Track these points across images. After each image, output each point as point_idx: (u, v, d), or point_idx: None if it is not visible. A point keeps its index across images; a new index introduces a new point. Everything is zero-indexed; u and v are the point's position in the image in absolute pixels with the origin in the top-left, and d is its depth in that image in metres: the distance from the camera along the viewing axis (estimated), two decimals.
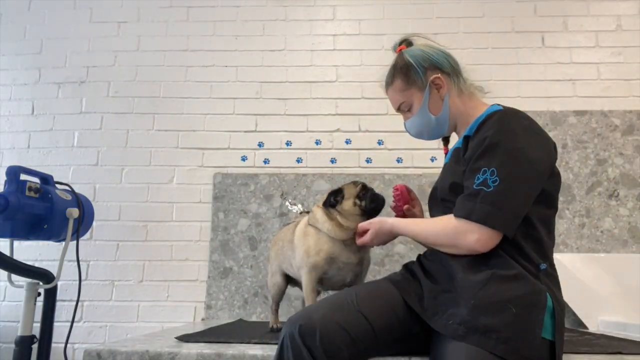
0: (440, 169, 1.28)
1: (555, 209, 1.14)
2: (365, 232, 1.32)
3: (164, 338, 1.40)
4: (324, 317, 0.99)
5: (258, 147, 2.42)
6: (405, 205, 1.40)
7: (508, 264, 1.01)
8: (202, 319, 2.21)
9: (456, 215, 1.06)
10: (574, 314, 2.04)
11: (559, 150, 2.31)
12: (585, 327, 1.98)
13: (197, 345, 1.25)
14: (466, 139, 1.14)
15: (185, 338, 1.36)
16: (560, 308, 1.02)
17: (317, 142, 2.41)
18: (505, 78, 2.43)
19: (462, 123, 1.22)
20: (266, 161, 2.40)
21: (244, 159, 2.41)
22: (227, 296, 2.23)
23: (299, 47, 2.52)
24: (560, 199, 2.22)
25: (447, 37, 2.48)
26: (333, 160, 2.39)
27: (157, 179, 2.40)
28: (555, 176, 1.12)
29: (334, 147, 2.41)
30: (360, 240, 1.34)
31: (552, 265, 1.09)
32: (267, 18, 2.55)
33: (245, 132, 2.44)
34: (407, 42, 1.30)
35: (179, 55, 2.52)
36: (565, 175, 2.28)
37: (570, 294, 2.02)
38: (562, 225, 2.23)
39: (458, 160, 1.15)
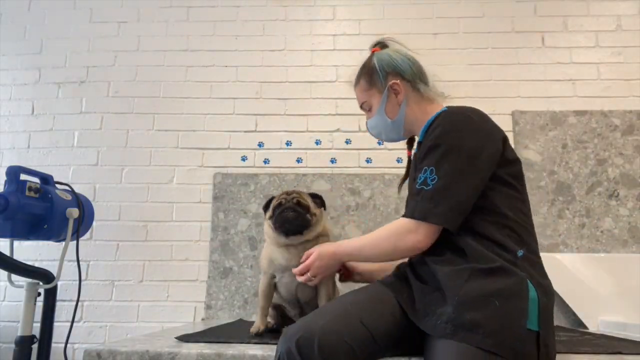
0: None
1: (522, 193, 1.15)
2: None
3: (164, 338, 1.40)
4: (323, 328, 0.98)
5: (258, 147, 2.42)
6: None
7: (487, 258, 1.03)
8: (202, 319, 2.21)
9: (403, 216, 1.12)
10: (574, 314, 2.04)
11: (559, 150, 2.31)
12: (585, 327, 1.98)
13: (197, 345, 1.25)
14: (419, 145, 1.20)
15: (185, 338, 1.36)
16: (545, 294, 1.02)
17: (317, 142, 2.41)
18: (505, 78, 2.43)
19: (419, 128, 1.26)
20: (266, 161, 2.40)
21: (244, 159, 2.41)
22: (227, 296, 2.23)
23: (299, 47, 2.52)
24: (560, 199, 2.25)
25: (447, 37, 2.49)
26: (333, 160, 2.39)
27: (157, 179, 2.40)
28: (511, 163, 1.14)
29: (334, 147, 2.41)
30: (302, 277, 1.27)
31: (531, 249, 1.09)
32: (267, 18, 2.55)
33: (245, 132, 2.44)
34: (381, 45, 1.36)
35: (179, 55, 2.52)
36: (565, 175, 2.28)
37: (570, 294, 2.04)
38: (562, 225, 2.23)
39: (415, 167, 1.20)
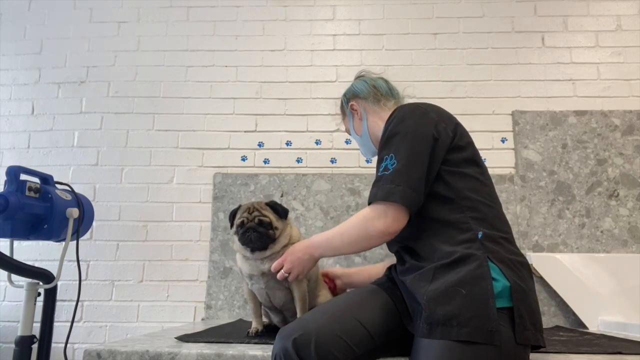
0: None
1: (482, 175, 1.18)
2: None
3: (164, 338, 1.40)
4: (319, 327, 0.98)
5: (258, 147, 2.42)
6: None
7: (447, 252, 1.04)
8: (202, 319, 2.21)
9: (368, 204, 1.14)
10: (574, 314, 2.04)
11: (559, 150, 2.31)
12: (585, 327, 1.98)
13: (197, 345, 1.25)
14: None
15: (185, 338, 1.36)
16: (513, 268, 1.02)
17: (317, 142, 2.41)
18: (505, 78, 2.43)
19: None
20: (266, 161, 2.40)
21: (244, 159, 2.41)
22: (227, 296, 2.23)
23: (299, 47, 2.52)
24: (560, 199, 2.25)
25: (447, 37, 2.49)
26: (333, 160, 2.39)
27: (157, 179, 2.40)
28: (464, 148, 1.16)
29: (334, 147, 2.41)
30: (280, 274, 1.29)
31: (495, 227, 1.10)
32: (267, 18, 2.55)
33: (245, 132, 2.44)
34: (357, 78, 1.54)
35: (179, 55, 2.52)
36: (565, 175, 2.28)
37: (570, 294, 2.04)
38: (562, 225, 2.23)
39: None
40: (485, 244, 1.04)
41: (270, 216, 1.39)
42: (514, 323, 0.96)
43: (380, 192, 1.10)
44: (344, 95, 1.52)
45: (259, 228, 1.36)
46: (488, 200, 1.13)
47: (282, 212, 1.42)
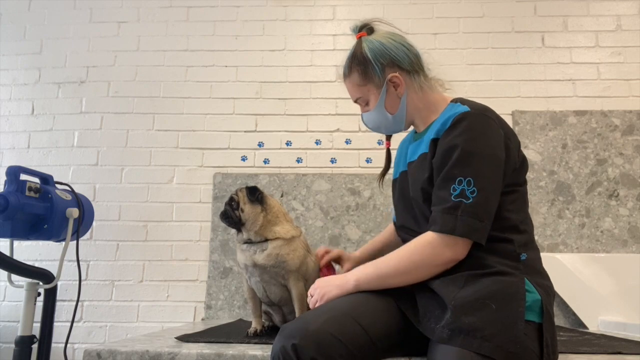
0: None
1: (524, 185, 1.15)
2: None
3: (164, 338, 1.40)
4: (319, 330, 0.96)
5: (258, 147, 2.42)
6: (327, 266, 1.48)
7: (483, 264, 1.03)
8: (202, 319, 2.22)
9: (436, 231, 1.03)
10: (574, 314, 2.04)
11: (559, 150, 2.31)
12: (585, 327, 1.98)
13: (197, 345, 1.25)
14: (434, 142, 1.11)
15: (185, 338, 1.36)
16: (546, 292, 1.03)
17: (317, 142, 2.41)
18: (505, 78, 2.43)
19: (421, 118, 1.22)
20: (266, 161, 2.40)
21: (244, 159, 2.41)
22: (227, 296, 2.23)
23: (299, 47, 2.52)
24: (560, 199, 2.25)
25: (447, 37, 2.49)
26: (333, 160, 2.39)
27: (157, 179, 2.40)
28: (521, 171, 1.13)
29: (334, 147, 2.41)
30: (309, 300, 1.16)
31: (534, 248, 1.09)
32: (267, 18, 2.55)
33: (245, 132, 2.44)
34: (368, 29, 1.26)
35: (179, 55, 2.52)
36: (565, 175, 2.28)
37: (570, 294, 2.04)
38: (562, 225, 2.23)
39: (424, 166, 1.12)
40: (527, 265, 1.04)
41: (240, 197, 1.43)
42: (542, 351, 0.96)
43: (461, 227, 1.00)
44: (376, 58, 1.17)
45: (226, 205, 1.43)
46: (527, 215, 1.11)
47: (253, 197, 1.42)
